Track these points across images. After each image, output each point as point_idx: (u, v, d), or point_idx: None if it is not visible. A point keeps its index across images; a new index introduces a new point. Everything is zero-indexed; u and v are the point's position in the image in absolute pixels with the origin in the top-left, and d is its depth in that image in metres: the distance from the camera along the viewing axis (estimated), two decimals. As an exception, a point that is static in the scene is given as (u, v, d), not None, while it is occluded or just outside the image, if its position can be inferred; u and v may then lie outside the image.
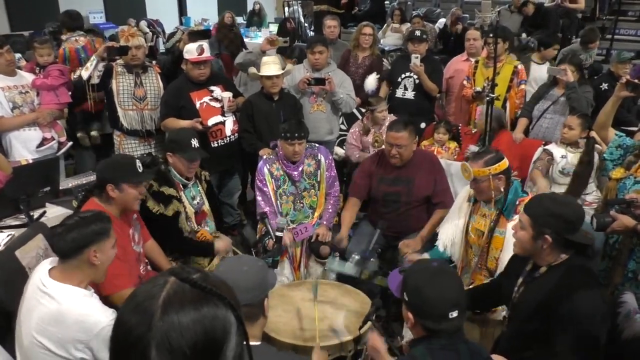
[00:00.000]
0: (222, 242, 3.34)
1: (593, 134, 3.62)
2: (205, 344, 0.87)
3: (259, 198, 3.65)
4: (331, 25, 5.57)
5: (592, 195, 3.75)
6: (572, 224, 2.03)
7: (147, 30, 10.16)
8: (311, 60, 4.45)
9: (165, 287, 0.90)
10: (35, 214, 3.33)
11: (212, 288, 0.91)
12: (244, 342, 0.94)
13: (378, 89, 4.92)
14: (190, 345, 0.85)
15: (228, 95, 4.04)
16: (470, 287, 2.81)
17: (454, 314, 1.73)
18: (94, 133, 4.54)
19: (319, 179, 3.71)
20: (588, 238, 2.06)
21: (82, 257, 2.07)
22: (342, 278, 3.34)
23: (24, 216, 3.28)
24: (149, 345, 0.84)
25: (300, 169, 3.63)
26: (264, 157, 3.72)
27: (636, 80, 2.93)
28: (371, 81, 4.69)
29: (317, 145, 3.82)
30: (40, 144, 4.00)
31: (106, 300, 2.38)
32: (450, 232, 3.09)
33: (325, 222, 3.66)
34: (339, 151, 5.15)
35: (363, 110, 5.17)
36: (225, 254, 3.31)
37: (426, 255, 3.12)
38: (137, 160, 2.76)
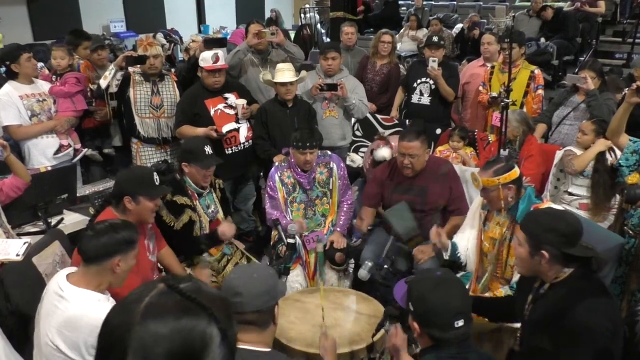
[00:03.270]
0: (226, 226, 3.32)
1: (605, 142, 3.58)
2: (182, 354, 0.86)
3: (268, 205, 3.66)
4: (349, 32, 5.58)
5: (612, 200, 3.68)
6: (567, 238, 1.97)
7: (164, 41, 10.31)
8: (324, 66, 4.45)
9: (151, 293, 0.90)
10: (53, 220, 3.39)
11: (196, 298, 0.90)
12: (230, 355, 0.93)
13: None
14: (165, 354, 0.84)
15: (242, 102, 4.07)
16: (486, 294, 2.77)
17: (460, 322, 1.71)
18: (107, 150, 4.57)
19: (331, 187, 3.70)
20: (589, 250, 1.99)
21: (106, 265, 2.11)
22: (356, 285, 3.33)
23: (41, 223, 3.34)
24: (127, 348, 0.84)
25: (312, 176, 3.62)
26: (276, 164, 3.73)
27: None
28: (383, 154, 4.14)
29: (329, 152, 3.81)
30: (57, 151, 4.06)
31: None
32: (465, 241, 3.07)
33: (339, 229, 3.65)
34: (356, 158, 5.14)
35: (379, 116, 5.17)
36: (231, 237, 3.33)
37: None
38: (155, 174, 2.79)
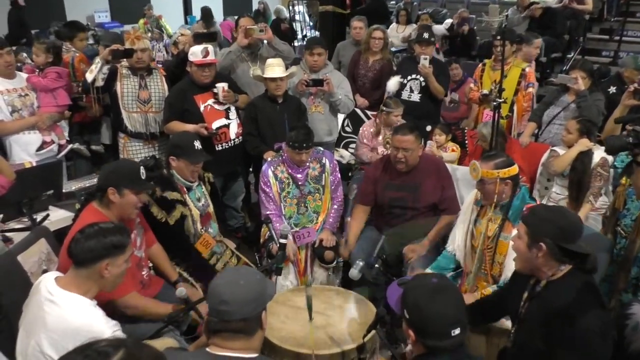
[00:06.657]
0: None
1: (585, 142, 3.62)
2: None
3: (263, 200, 3.63)
4: (357, 26, 5.55)
5: (599, 201, 3.70)
6: (567, 232, 1.99)
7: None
8: (309, 62, 4.40)
9: None
10: (39, 217, 3.33)
11: None
12: None
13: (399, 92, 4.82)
14: None
15: (222, 85, 3.95)
16: (473, 302, 2.77)
17: (456, 331, 1.70)
18: (95, 147, 4.51)
19: (323, 183, 3.67)
20: (586, 248, 2.01)
21: (94, 269, 2.07)
22: (347, 284, 3.32)
23: (27, 219, 3.27)
24: None
25: (305, 172, 3.60)
26: (269, 159, 3.70)
27: None
28: (393, 83, 4.59)
29: (322, 149, 3.79)
30: (40, 148, 3.99)
31: (109, 305, 2.38)
32: (457, 236, 3.07)
33: (328, 227, 3.63)
34: (345, 154, 5.11)
35: (369, 112, 5.13)
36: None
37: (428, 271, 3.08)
38: (142, 168, 2.74)
